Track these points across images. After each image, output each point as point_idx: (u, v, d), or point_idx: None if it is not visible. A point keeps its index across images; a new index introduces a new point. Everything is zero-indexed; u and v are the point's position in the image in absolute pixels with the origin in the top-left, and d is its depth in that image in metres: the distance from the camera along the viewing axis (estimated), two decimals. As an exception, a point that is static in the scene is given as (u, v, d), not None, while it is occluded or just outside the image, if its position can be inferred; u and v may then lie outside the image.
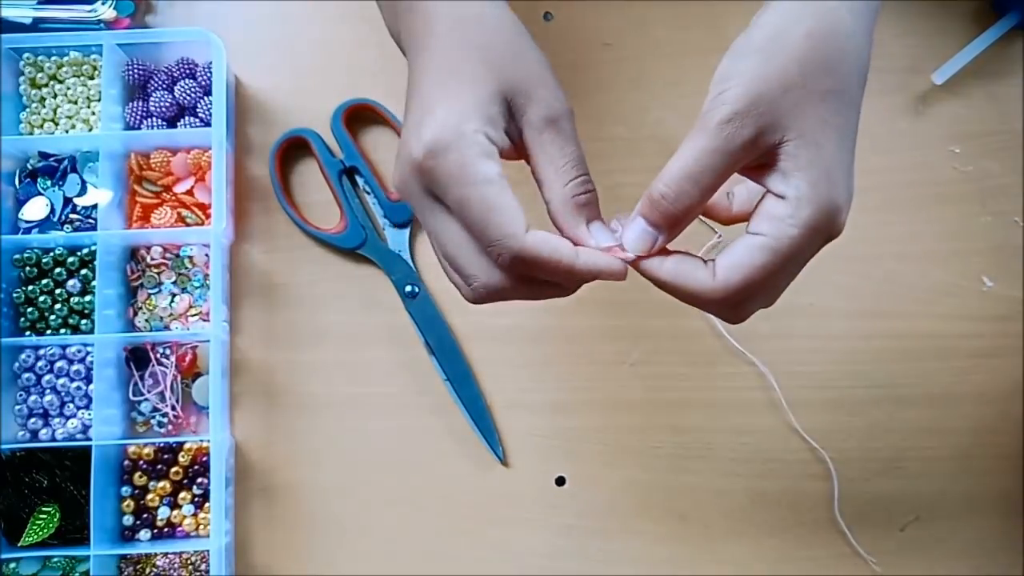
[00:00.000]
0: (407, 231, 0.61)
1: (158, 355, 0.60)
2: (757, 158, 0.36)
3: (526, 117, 0.39)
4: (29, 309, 0.59)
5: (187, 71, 0.61)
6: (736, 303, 0.37)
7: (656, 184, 0.36)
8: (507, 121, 0.39)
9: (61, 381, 0.58)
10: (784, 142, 0.35)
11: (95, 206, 0.60)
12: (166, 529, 0.58)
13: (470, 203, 0.36)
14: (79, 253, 0.59)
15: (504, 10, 0.41)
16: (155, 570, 0.57)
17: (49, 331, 0.59)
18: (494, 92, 0.38)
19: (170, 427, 0.59)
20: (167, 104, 0.61)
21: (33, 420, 0.58)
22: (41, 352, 0.59)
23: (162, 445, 0.59)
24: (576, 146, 0.39)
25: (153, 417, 0.59)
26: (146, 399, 0.59)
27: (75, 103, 0.62)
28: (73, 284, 0.59)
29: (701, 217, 0.41)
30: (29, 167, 0.61)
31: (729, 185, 0.38)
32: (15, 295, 0.59)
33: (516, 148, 0.40)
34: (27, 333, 0.59)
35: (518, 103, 0.38)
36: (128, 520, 0.58)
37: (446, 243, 0.39)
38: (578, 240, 0.38)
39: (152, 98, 0.61)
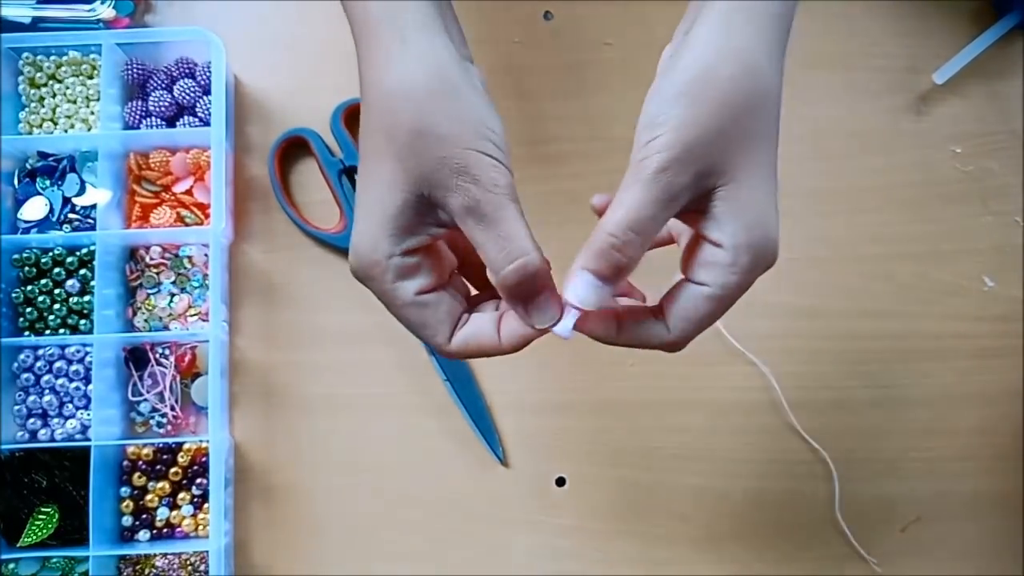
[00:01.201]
0: (407, 231, 0.61)
1: (157, 355, 0.59)
2: (691, 204, 0.36)
3: (448, 208, 0.37)
4: (28, 309, 0.59)
5: (186, 71, 0.61)
6: (687, 343, 0.39)
7: (599, 235, 0.36)
8: (432, 213, 0.38)
9: (60, 381, 0.58)
10: (718, 187, 0.36)
11: (94, 206, 0.60)
12: (165, 530, 0.58)
13: (400, 319, 0.40)
14: (78, 253, 0.59)
15: (429, 74, 0.37)
16: (154, 570, 0.57)
17: (48, 331, 0.59)
18: (406, 197, 0.37)
19: (169, 427, 0.59)
20: (166, 104, 0.60)
21: (32, 420, 0.58)
22: (40, 352, 0.59)
23: (161, 445, 0.59)
24: (504, 229, 0.36)
25: (152, 417, 0.59)
26: (145, 399, 0.59)
27: (74, 103, 0.62)
28: (72, 284, 0.59)
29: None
30: (28, 167, 0.61)
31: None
32: (14, 295, 0.59)
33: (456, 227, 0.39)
34: (26, 333, 0.59)
35: (436, 196, 0.37)
36: (127, 521, 0.58)
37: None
38: (521, 317, 0.39)
39: (151, 98, 0.61)
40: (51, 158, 0.61)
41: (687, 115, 0.35)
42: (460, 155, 0.36)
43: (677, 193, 0.35)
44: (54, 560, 0.57)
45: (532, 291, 0.37)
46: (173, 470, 0.58)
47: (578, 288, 0.37)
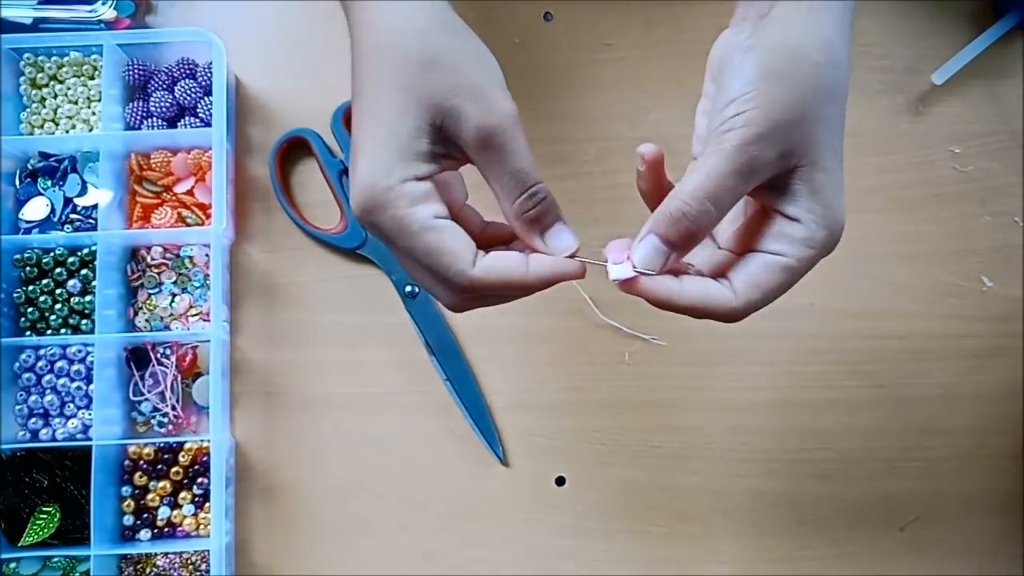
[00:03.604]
0: (407, 231, 0.61)
1: (158, 355, 0.60)
2: (768, 181, 0.37)
3: (460, 137, 0.37)
4: (29, 309, 0.59)
5: (187, 71, 0.61)
6: (749, 314, 0.38)
7: (672, 202, 0.36)
8: (444, 142, 0.38)
9: (61, 381, 0.59)
10: (799, 167, 0.36)
11: (95, 206, 0.60)
12: (166, 529, 0.58)
13: (415, 251, 0.37)
14: (79, 253, 0.59)
15: (427, 14, 0.38)
16: (155, 570, 0.57)
17: (49, 331, 0.59)
18: (417, 123, 0.37)
19: (170, 427, 0.59)
20: (167, 104, 0.61)
21: (33, 420, 0.58)
22: (41, 352, 0.59)
23: (162, 445, 0.59)
24: (517, 158, 0.37)
25: (153, 417, 0.59)
26: (146, 399, 0.59)
27: (75, 103, 0.62)
28: (73, 284, 0.59)
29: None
30: (29, 167, 0.61)
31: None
32: (15, 295, 0.59)
33: (466, 157, 0.39)
34: (27, 333, 0.59)
35: (448, 124, 0.37)
36: (128, 520, 0.58)
37: (409, 272, 0.40)
38: (535, 249, 0.39)
39: (152, 98, 0.61)
40: (52, 158, 0.61)
41: (778, 94, 0.36)
42: (474, 83, 0.37)
43: (759, 168, 0.36)
44: (55, 559, 0.57)
45: (547, 218, 0.38)
46: (174, 469, 0.58)
47: (644, 251, 0.37)
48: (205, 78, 0.61)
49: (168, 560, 0.57)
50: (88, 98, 0.62)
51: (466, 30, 0.39)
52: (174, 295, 0.60)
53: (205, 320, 0.60)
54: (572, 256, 0.39)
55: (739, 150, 0.35)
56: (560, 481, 0.59)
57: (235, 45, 0.61)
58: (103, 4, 0.61)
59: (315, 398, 0.60)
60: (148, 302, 0.60)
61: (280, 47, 0.64)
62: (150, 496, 0.58)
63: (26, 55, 0.62)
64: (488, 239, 0.42)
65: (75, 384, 0.59)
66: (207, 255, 0.61)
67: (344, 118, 0.61)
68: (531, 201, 0.38)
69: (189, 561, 0.57)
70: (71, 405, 0.59)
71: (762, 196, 0.38)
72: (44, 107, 0.62)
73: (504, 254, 0.38)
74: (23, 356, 0.59)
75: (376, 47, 0.38)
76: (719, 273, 0.39)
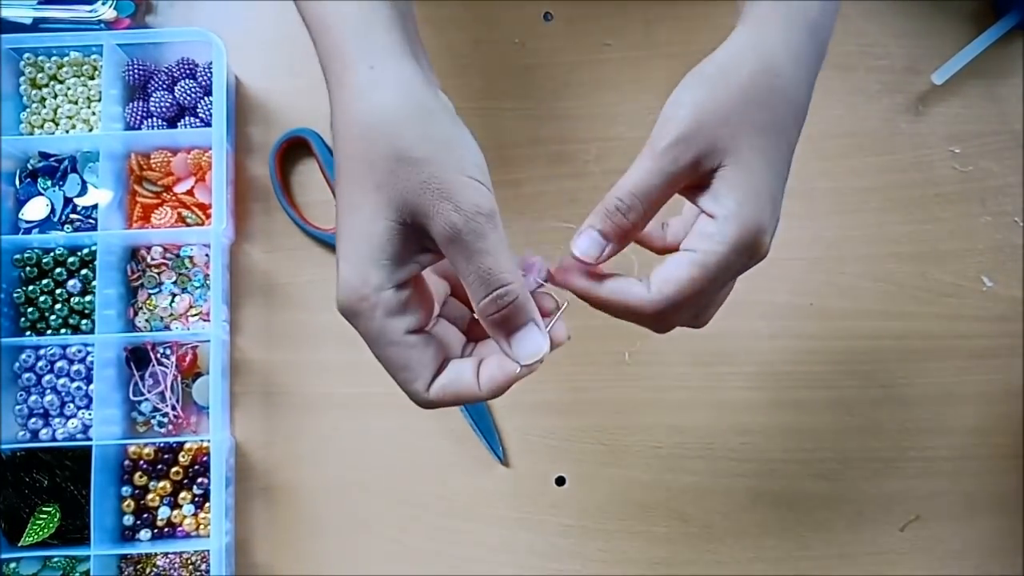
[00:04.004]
0: (407, 231, 0.61)
1: (158, 355, 0.60)
2: (696, 180, 0.39)
3: (430, 234, 0.36)
4: (29, 309, 0.59)
5: (187, 71, 0.61)
6: (667, 314, 0.39)
7: (610, 197, 0.39)
8: (418, 239, 0.37)
9: (61, 381, 0.59)
10: (720, 167, 0.38)
11: (95, 206, 0.60)
12: (166, 529, 0.59)
13: (383, 360, 0.38)
14: (79, 253, 0.59)
15: (402, 101, 0.37)
16: (155, 570, 0.57)
17: (49, 331, 0.59)
18: (389, 224, 0.36)
19: (170, 427, 0.59)
20: (167, 104, 0.61)
21: (33, 420, 0.58)
22: (41, 352, 0.59)
23: (162, 445, 0.59)
24: (484, 257, 0.36)
25: (153, 417, 0.59)
26: (146, 399, 0.59)
27: (75, 103, 0.62)
28: (73, 284, 0.59)
29: (636, 243, 0.43)
30: (29, 167, 0.61)
31: (663, 216, 0.41)
32: (15, 295, 0.59)
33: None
34: (27, 333, 0.59)
35: (418, 222, 0.36)
36: (128, 520, 0.58)
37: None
38: (503, 349, 0.39)
39: (152, 98, 0.61)
40: (52, 158, 0.61)
41: (704, 99, 0.38)
42: (441, 178, 0.36)
43: (680, 168, 0.38)
44: (55, 559, 0.57)
45: (512, 322, 0.38)
46: (174, 469, 0.59)
47: (582, 241, 0.39)
48: (205, 78, 0.61)
49: (168, 560, 0.57)
50: (88, 98, 0.62)
51: (444, 113, 0.38)
52: (174, 295, 0.61)
53: (205, 320, 0.60)
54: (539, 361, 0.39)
55: (664, 150, 0.38)
56: (560, 481, 0.59)
57: (235, 45, 0.61)
58: (103, 4, 0.61)
59: (315, 398, 0.60)
60: (148, 302, 0.60)
61: (280, 47, 0.64)
62: (150, 496, 0.58)
63: (26, 55, 0.62)
64: (480, 332, 0.42)
65: (75, 384, 0.59)
66: (207, 255, 0.61)
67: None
68: (496, 304, 0.37)
69: (189, 561, 0.58)
70: (71, 405, 0.59)
71: (690, 195, 0.39)
72: (44, 107, 0.62)
73: (458, 371, 0.39)
74: (23, 356, 0.59)
75: (351, 138, 0.37)
76: None
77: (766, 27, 0.39)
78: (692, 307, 0.40)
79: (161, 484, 0.58)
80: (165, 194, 0.61)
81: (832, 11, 0.41)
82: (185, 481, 0.59)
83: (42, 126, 0.62)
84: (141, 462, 0.59)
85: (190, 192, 0.61)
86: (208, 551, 0.56)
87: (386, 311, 0.37)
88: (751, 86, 0.38)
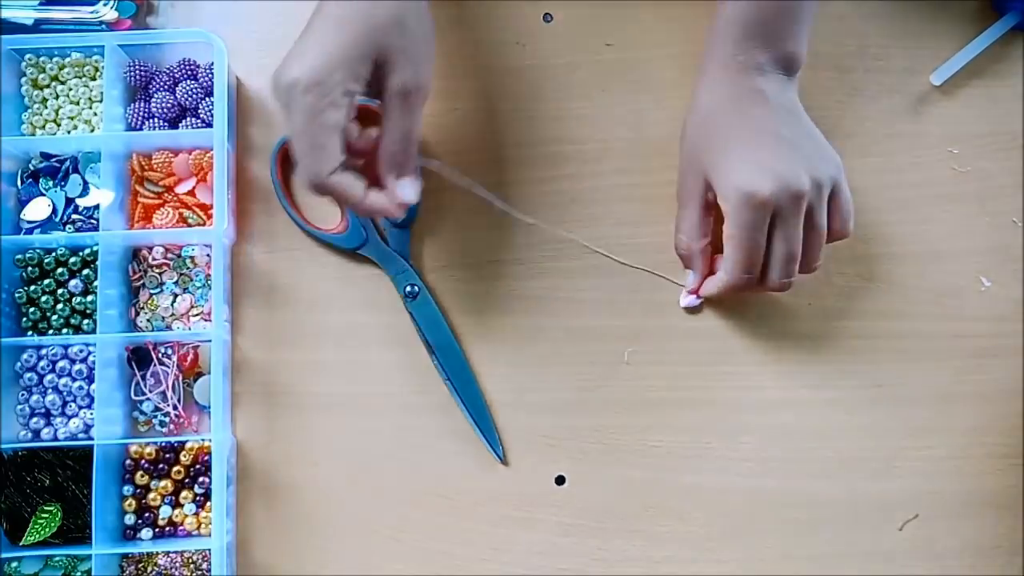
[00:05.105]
0: (407, 231, 0.61)
1: (160, 355, 0.60)
2: (712, 198, 0.55)
3: (387, 83, 0.48)
4: (31, 309, 0.59)
5: (189, 72, 0.62)
6: (746, 281, 0.55)
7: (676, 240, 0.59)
8: (373, 82, 0.48)
9: (63, 381, 0.59)
10: (714, 172, 0.54)
11: (97, 207, 0.60)
12: (168, 528, 0.59)
13: (307, 135, 0.46)
14: (81, 253, 0.60)
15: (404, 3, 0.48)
16: (157, 569, 0.58)
17: (51, 331, 0.59)
18: (365, 54, 0.46)
19: (172, 427, 0.59)
20: (169, 105, 0.61)
21: (35, 420, 0.58)
22: (43, 352, 0.59)
23: (164, 444, 0.59)
24: (417, 122, 0.49)
25: (155, 417, 0.59)
26: (148, 399, 0.59)
27: (77, 104, 0.62)
28: (75, 284, 0.59)
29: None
30: (31, 168, 0.61)
31: None
32: (17, 295, 0.59)
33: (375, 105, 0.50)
34: (29, 333, 0.59)
35: (384, 70, 0.47)
36: (130, 519, 0.58)
37: (290, 140, 0.48)
38: (386, 185, 0.50)
39: (154, 99, 0.61)
40: (54, 159, 0.61)
41: (684, 136, 0.58)
42: (417, 52, 0.49)
43: (693, 188, 0.56)
44: (57, 558, 0.57)
45: (406, 166, 0.50)
46: (175, 469, 0.59)
47: (690, 281, 0.60)
48: (206, 79, 0.61)
49: (169, 559, 0.58)
50: (89, 99, 0.62)
51: (431, 23, 0.51)
52: (175, 295, 0.61)
53: (206, 320, 0.60)
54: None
55: (679, 185, 0.58)
56: (560, 480, 0.60)
57: (236, 46, 0.62)
58: (104, 5, 0.61)
59: (316, 398, 0.60)
60: (149, 302, 0.60)
61: (281, 47, 0.62)
62: (151, 495, 0.59)
63: (28, 56, 0.62)
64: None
65: (77, 384, 0.59)
66: (208, 255, 0.61)
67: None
68: (405, 153, 0.50)
69: (190, 560, 0.58)
70: (73, 405, 0.59)
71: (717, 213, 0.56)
72: (46, 108, 0.62)
73: (353, 179, 0.48)
74: (25, 356, 0.59)
75: (349, 6, 0.47)
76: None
77: (703, 84, 0.56)
78: (756, 258, 0.53)
79: (162, 483, 0.58)
80: (166, 195, 0.62)
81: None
82: (186, 480, 0.59)
83: (44, 127, 0.62)
84: (142, 461, 0.59)
85: (191, 193, 0.61)
86: (209, 550, 0.56)
87: (343, 95, 0.46)
88: (695, 136, 0.56)
